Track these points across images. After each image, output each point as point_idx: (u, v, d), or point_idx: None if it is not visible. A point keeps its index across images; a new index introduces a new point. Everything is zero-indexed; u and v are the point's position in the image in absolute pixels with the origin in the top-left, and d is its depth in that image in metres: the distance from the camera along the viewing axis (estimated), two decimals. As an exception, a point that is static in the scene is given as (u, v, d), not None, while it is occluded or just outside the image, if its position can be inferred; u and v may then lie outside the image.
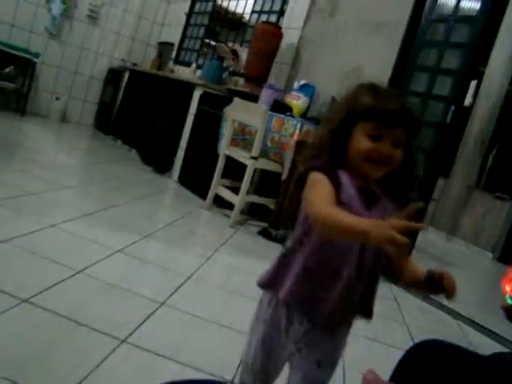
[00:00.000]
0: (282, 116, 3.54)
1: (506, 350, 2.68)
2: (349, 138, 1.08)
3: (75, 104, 6.98)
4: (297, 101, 3.88)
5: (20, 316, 1.58)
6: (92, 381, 1.35)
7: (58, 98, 6.71)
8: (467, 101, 6.43)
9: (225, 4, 6.33)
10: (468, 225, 6.46)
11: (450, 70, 3.50)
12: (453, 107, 3.39)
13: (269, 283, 1.12)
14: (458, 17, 3.53)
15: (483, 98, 6.41)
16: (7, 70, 6.16)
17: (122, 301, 1.92)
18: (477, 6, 3.43)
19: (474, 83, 6.60)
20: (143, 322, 1.76)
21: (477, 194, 6.51)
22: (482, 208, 6.38)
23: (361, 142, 1.06)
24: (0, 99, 6.29)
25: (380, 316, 2.59)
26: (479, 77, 6.51)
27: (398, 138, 1.06)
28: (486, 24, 3.38)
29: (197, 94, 4.53)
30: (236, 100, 3.71)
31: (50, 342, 1.48)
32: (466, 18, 3.48)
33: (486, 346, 2.66)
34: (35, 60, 6.27)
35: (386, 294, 3.10)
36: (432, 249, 5.47)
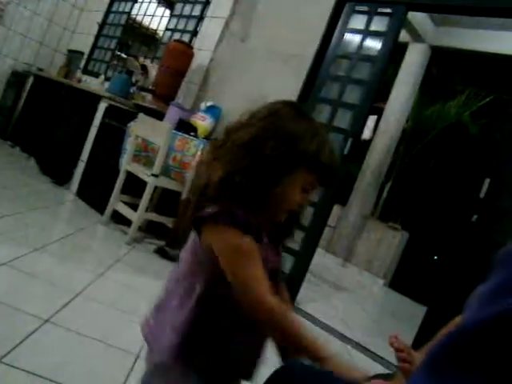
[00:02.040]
0: (186, 136, 3.55)
1: (387, 371, 2.82)
2: (278, 182, 0.91)
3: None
4: (202, 121, 3.91)
5: None
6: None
7: (-49, 98, 6.28)
8: (366, 134, 6.79)
9: (139, 18, 6.28)
10: (362, 252, 6.77)
11: (351, 104, 3.68)
12: (351, 139, 3.56)
13: None
14: (360, 55, 3.74)
15: (381, 132, 6.80)
16: None
17: (1, 317, 1.81)
18: (379, 46, 3.65)
19: (373, 118, 6.99)
20: (23, 341, 1.67)
21: (371, 223, 6.85)
22: (375, 236, 6.72)
23: (297, 194, 0.94)
24: None
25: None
26: (379, 112, 6.91)
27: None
28: (386, 63, 3.61)
29: (102, 107, 4.43)
30: (141, 116, 3.67)
31: None
32: (368, 57, 3.69)
33: (368, 368, 2.78)
34: None
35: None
36: (327, 274, 5.66)
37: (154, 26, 5.99)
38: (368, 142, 6.92)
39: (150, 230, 3.94)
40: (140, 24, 6.30)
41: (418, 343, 2.97)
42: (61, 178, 4.61)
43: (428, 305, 3.33)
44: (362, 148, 6.56)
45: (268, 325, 0.88)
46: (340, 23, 3.90)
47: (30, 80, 6.17)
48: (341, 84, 3.79)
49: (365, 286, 6.19)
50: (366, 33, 3.76)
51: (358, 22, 3.83)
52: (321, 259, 5.87)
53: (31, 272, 2.34)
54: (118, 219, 3.80)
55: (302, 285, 3.61)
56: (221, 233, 0.88)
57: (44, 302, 2.06)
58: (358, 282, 6.27)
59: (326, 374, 0.86)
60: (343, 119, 3.72)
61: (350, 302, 4.83)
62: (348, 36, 3.87)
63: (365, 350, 3.12)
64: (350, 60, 3.79)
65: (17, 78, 6.44)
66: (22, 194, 3.97)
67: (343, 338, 3.23)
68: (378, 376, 1.03)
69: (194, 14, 5.19)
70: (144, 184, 3.44)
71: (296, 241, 3.70)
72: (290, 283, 3.62)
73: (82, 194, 4.38)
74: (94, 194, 4.18)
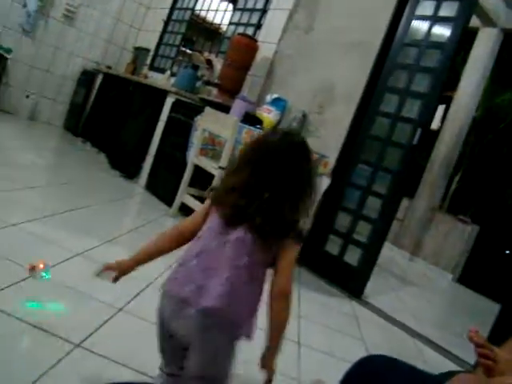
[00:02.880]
0: (252, 128, 3.56)
1: (459, 368, 2.73)
2: None
3: (45, 103, 6.86)
4: (268, 114, 3.91)
5: None
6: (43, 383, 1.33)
7: (28, 96, 6.59)
8: (435, 124, 6.60)
9: (203, 14, 6.36)
10: (430, 245, 6.59)
11: (419, 93, 3.58)
12: (419, 129, 3.46)
13: None
14: (429, 42, 3.62)
15: (450, 122, 6.58)
16: (-25, 64, 6.06)
17: (78, 305, 1.89)
18: (448, 32, 3.52)
19: (442, 107, 6.77)
20: (99, 328, 1.74)
21: (440, 215, 6.65)
22: (444, 229, 6.52)
23: None
24: (-33, 94, 6.17)
25: (337, 331, 2.62)
26: (448, 101, 6.69)
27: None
28: (455, 50, 3.48)
29: (169, 101, 4.52)
30: (207, 109, 3.72)
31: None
32: (437, 44, 3.57)
33: (439, 365, 2.72)
34: (7, 56, 6.16)
35: (345, 309, 3.13)
36: (394, 267, 5.56)
37: (217, 20, 6.05)
38: (436, 132, 6.72)
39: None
40: (204, 19, 6.37)
41: (492, 341, 2.86)
42: (130, 172, 4.75)
43: (501, 301, 3.19)
44: (430, 138, 6.38)
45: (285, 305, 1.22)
46: (407, 10, 3.79)
47: (99, 78, 6.39)
48: (409, 72, 3.68)
49: (433, 281, 6.03)
50: (435, 19, 3.63)
51: (426, 8, 3.71)
52: (388, 252, 5.77)
53: (104, 262, 2.42)
54: (186, 211, 3.86)
55: (369, 278, 3.55)
56: (296, 249, 1.26)
57: (117, 292, 2.12)
58: (426, 276, 6.12)
59: (407, 366, 0.84)
60: (412, 109, 3.62)
61: (418, 297, 4.72)
62: (415, 23, 3.76)
63: (436, 347, 3.04)
64: (418, 48, 3.68)
65: (87, 77, 6.68)
66: (94, 188, 4.12)
67: (413, 332, 3.16)
68: (450, 374, 0.99)
69: (257, 7, 5.20)
70: (211, 177, 3.48)
71: (363, 233, 3.65)
72: (358, 276, 3.57)
73: (150, 187, 4.49)
74: (163, 187, 4.28)
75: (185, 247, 1.35)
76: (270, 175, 1.24)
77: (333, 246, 3.78)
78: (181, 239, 1.41)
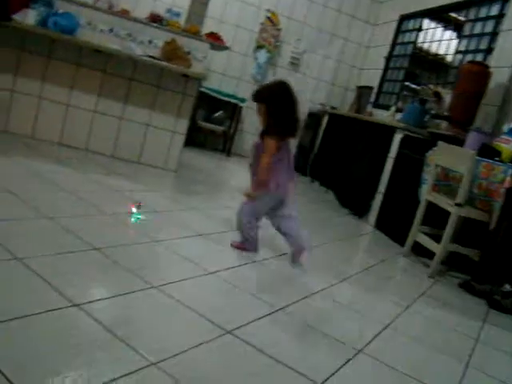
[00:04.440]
0: (491, 161, 3.31)
1: None
2: None
3: (275, 147, 7.38)
4: (507, 145, 3.61)
5: (222, 346, 1.68)
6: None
7: (261, 141, 7.18)
8: None
9: (425, 46, 6.22)
10: None
11: None
12: None
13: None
14: None
15: None
16: (217, 114, 6.90)
17: (316, 343, 1.93)
18: None
19: None
20: (340, 368, 1.75)
21: None
22: None
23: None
24: (210, 141, 7.08)
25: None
26: None
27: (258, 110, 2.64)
28: None
29: (397, 138, 4.47)
30: (440, 144, 3.58)
31: (247, 376, 1.56)
32: None
33: None
34: (241, 105, 6.85)
35: None
36: None
37: (441, 51, 5.86)
38: None
39: (451, 262, 3.77)
40: (427, 51, 6.23)
41: None
42: (359, 210, 4.79)
43: None
44: None
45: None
46: None
47: (325, 119, 6.64)
48: None
49: None
50: None
51: None
52: None
53: (340, 301, 2.45)
54: (419, 251, 3.74)
55: None
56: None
57: (354, 332, 2.13)
58: None
59: None
60: None
61: None
62: None
63: None
64: None
65: (313, 119, 7.01)
66: (324, 226, 4.25)
67: None
68: None
69: (485, 30, 4.92)
70: (445, 214, 3.32)
71: None
72: None
73: (380, 225, 4.47)
74: (393, 226, 4.21)
75: None
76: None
77: None
78: None
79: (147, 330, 1.64)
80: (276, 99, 2.61)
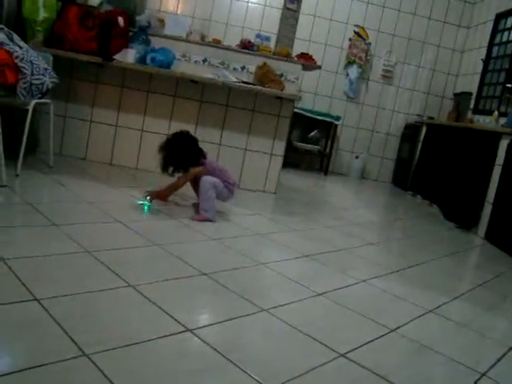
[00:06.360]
0: None
1: None
2: None
3: (373, 161, 7.29)
4: None
5: (336, 370, 1.65)
6: None
7: (357, 157, 7.13)
8: None
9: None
10: None
11: None
12: None
13: None
14: None
15: None
16: (312, 134, 6.92)
17: (432, 364, 1.84)
18: None
19: None
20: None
21: None
22: None
23: None
24: (306, 160, 7.09)
25: None
26: None
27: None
28: None
29: (503, 144, 4.23)
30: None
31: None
32: None
33: None
34: (336, 123, 6.84)
35: None
36: None
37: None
38: None
39: None
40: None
41: None
42: (466, 222, 4.57)
43: None
44: None
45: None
46: None
47: (423, 130, 6.44)
48: None
49: None
50: None
51: None
52: None
53: (456, 320, 2.33)
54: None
55: None
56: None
57: (476, 353, 2.01)
58: None
59: None
60: None
61: None
62: None
63: None
64: None
65: (410, 131, 6.84)
66: (430, 241, 4.09)
67: None
68: None
69: None
70: None
71: None
72: None
73: (491, 237, 4.22)
74: (507, 237, 3.96)
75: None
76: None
77: None
78: None
79: (260, 355, 1.65)
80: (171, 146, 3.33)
